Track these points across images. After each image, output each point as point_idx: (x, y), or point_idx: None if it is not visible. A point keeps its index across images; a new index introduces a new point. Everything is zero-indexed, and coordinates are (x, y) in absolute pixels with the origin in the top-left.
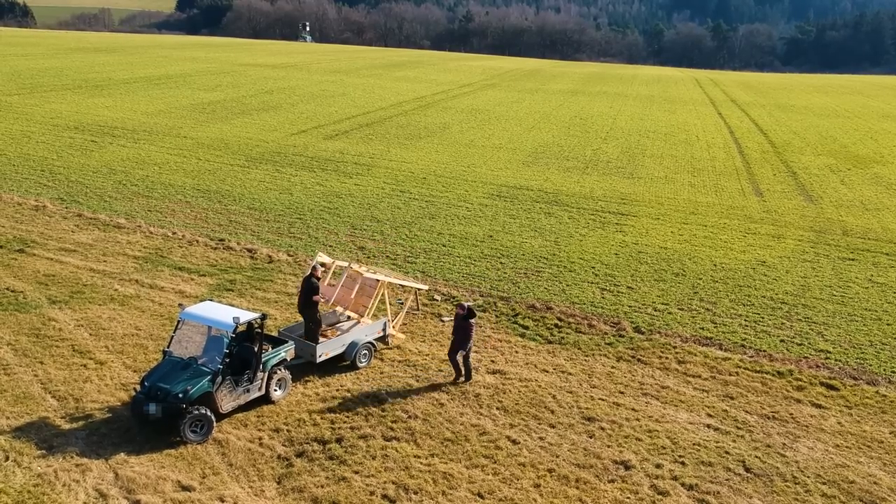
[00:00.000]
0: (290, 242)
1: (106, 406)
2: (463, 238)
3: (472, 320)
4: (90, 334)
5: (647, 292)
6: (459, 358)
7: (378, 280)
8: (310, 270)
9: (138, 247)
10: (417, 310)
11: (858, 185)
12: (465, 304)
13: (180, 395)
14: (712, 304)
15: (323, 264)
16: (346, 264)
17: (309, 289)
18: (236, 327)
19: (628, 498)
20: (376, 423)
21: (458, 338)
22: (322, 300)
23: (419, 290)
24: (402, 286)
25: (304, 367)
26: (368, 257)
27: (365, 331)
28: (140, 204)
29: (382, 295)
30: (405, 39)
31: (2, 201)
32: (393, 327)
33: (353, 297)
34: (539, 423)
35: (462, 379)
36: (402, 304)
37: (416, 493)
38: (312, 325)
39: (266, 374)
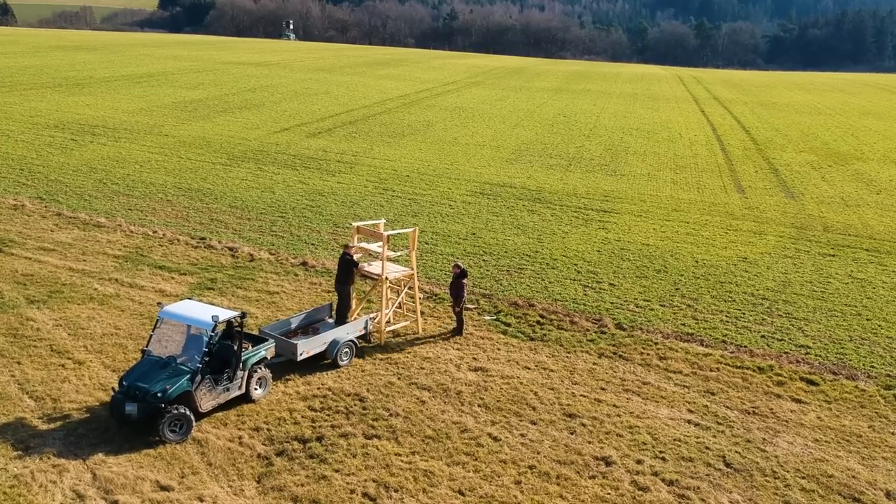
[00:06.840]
0: (272, 241)
1: (84, 406)
2: (446, 236)
3: (465, 280)
4: (69, 334)
5: (628, 289)
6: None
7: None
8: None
9: (118, 246)
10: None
11: (839, 181)
12: (459, 265)
13: (159, 395)
14: (694, 301)
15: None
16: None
17: (347, 264)
18: (215, 326)
19: (609, 494)
20: (357, 422)
21: (453, 294)
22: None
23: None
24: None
25: (284, 366)
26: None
27: (346, 329)
28: (120, 203)
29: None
30: (389, 38)
31: None
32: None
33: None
34: (520, 420)
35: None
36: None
37: (396, 490)
38: (344, 306)
39: (246, 373)
